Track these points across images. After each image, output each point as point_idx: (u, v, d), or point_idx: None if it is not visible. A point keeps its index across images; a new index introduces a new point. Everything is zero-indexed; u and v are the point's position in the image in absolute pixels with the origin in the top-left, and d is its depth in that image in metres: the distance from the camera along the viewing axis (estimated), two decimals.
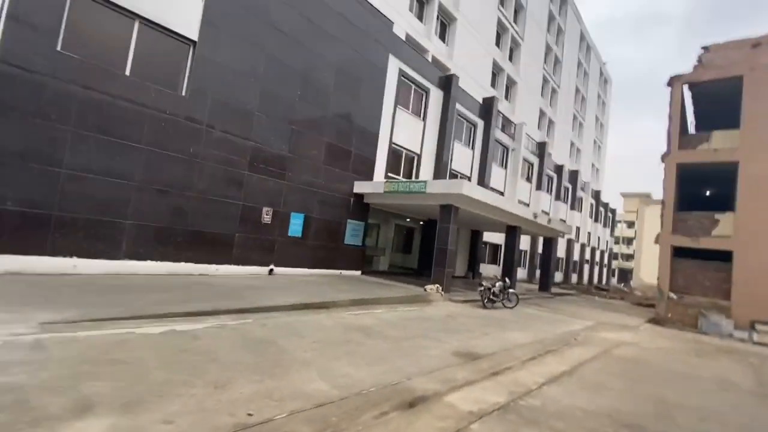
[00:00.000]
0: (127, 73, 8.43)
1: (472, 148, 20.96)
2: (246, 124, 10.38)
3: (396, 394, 3.88)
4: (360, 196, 13.76)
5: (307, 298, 8.12)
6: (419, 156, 17.22)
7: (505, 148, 24.75)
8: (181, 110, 9.14)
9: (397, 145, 15.93)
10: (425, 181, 11.88)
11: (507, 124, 26.66)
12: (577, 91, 41.16)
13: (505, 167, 24.62)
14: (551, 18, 34.19)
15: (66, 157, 7.56)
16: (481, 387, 4.46)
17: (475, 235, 21.89)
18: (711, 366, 7.45)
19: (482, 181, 20.97)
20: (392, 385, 4.11)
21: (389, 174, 15.37)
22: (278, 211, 11.28)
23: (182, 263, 9.36)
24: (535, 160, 28.40)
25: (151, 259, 8.86)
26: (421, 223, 19.17)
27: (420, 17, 20.17)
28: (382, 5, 15.71)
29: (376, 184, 13.21)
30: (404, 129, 16.27)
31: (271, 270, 11.16)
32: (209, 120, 9.63)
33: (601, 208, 44.87)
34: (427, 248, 17.64)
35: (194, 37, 9.34)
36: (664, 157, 14.77)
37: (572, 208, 35.47)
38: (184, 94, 9.25)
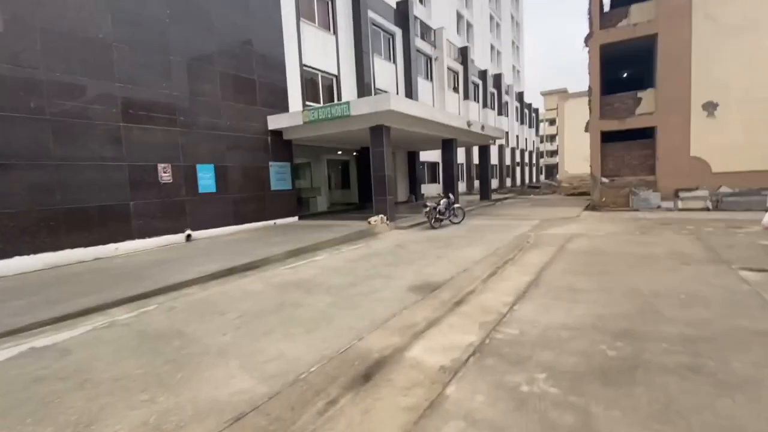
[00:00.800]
0: None
1: (394, 61, 19.23)
2: (103, 61, 7.97)
3: (346, 365, 2.98)
4: (278, 134, 11.99)
5: (231, 260, 6.85)
6: (338, 78, 15.33)
7: (428, 58, 23.21)
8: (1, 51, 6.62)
9: (309, 67, 13.88)
10: (348, 102, 10.38)
11: (426, 31, 24.76)
12: None
13: (431, 79, 23.29)
14: None
15: None
16: (447, 325, 3.71)
17: (412, 157, 21.06)
18: (660, 242, 7.51)
19: (410, 96, 19.63)
20: (340, 354, 3.20)
21: (307, 104, 13.53)
22: (179, 166, 9.35)
23: (67, 250, 7.49)
24: (460, 68, 27.28)
25: (20, 254, 6.93)
26: (355, 153, 17.83)
27: None
28: None
29: (292, 115, 11.45)
30: (314, 47, 14.12)
31: (189, 236, 9.55)
32: (46, 60, 7.17)
33: (526, 110, 45.83)
34: (365, 179, 16.60)
35: None
36: (587, 40, 14.29)
37: (500, 113, 35.62)
38: (0, 29, 6.65)
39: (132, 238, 8.46)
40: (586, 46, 14.36)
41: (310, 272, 6.26)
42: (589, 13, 14.13)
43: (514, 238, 8.68)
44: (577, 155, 34.24)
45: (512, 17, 46.81)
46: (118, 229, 8.23)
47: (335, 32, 15.26)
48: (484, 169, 20.22)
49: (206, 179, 9.94)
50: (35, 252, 7.11)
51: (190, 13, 9.60)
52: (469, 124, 14.54)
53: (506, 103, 37.79)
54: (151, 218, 8.80)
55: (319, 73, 14.49)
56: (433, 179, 24.86)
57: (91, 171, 7.80)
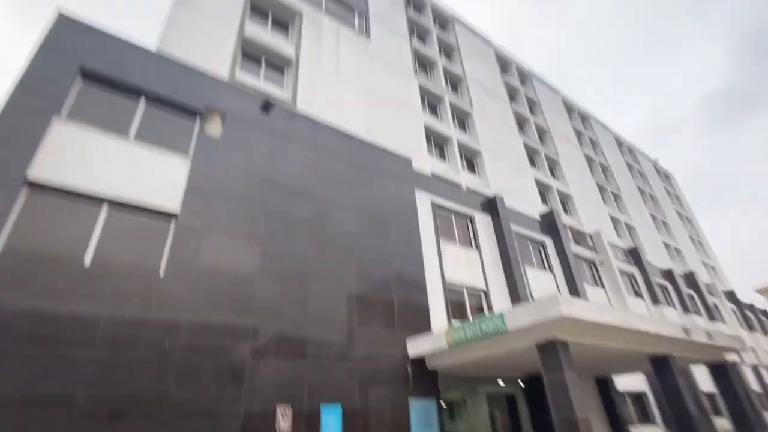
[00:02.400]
0: (87, 264, 6.81)
1: (550, 269, 16.99)
2: (244, 296, 8.01)
3: None
4: (420, 362, 9.89)
5: None
6: (486, 293, 13.58)
7: (591, 263, 20.28)
8: (155, 295, 7.06)
9: (453, 283, 12.67)
10: (502, 314, 8.13)
11: (580, 237, 22.80)
12: (642, 192, 37.39)
13: (601, 285, 19.61)
14: (578, 133, 33.79)
15: None
16: None
17: (603, 385, 15.56)
18: None
19: None
20: None
21: (452, 321, 11.65)
22: (300, 410, 7.69)
23: None
24: (634, 270, 23.04)
25: None
26: (523, 384, 13.91)
27: (443, 158, 19.61)
28: (398, 149, 15.06)
29: (435, 336, 9.50)
30: (457, 263, 13.27)
31: None
32: (193, 299, 7.39)
33: (749, 313, 34.52)
34: (543, 422, 12.10)
35: (176, 209, 8.03)
36: None
37: (711, 318, 27.11)
38: (161, 275, 7.35)
39: None
40: None
41: None
42: None
43: None
44: None
45: (680, 214, 42.11)
46: None
47: (478, 247, 14.53)
48: (734, 400, 13.16)
49: (331, 424, 7.85)
50: None
51: (334, 247, 9.93)
52: (686, 330, 10.11)
53: (714, 304, 29.21)
54: None
55: (465, 289, 13.05)
56: (645, 417, 17.46)
57: (202, 418, 6.65)
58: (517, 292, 14.14)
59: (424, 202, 13.42)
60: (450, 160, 19.70)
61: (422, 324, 10.62)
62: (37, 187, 6.88)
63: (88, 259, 6.84)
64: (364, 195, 11.46)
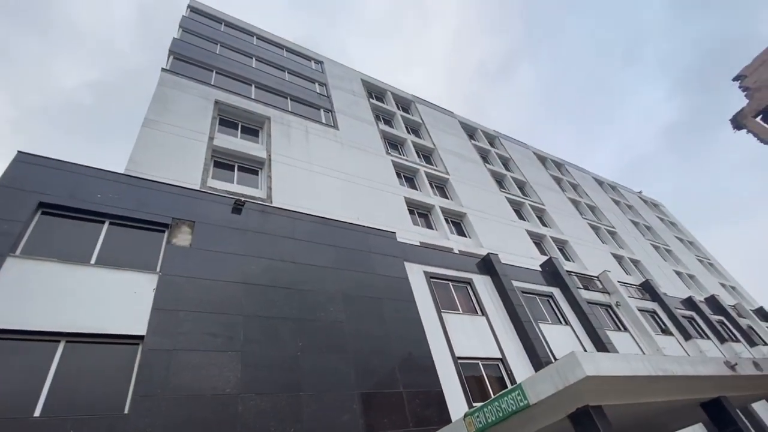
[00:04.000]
0: (37, 413, 5.90)
1: (566, 322, 15.82)
2: (225, 419, 6.95)
3: None
4: None
5: None
6: (503, 361, 12.34)
7: (607, 307, 19.09)
8: None
9: (465, 357, 11.52)
10: (519, 386, 7.08)
11: (588, 282, 21.83)
12: (636, 224, 37.21)
13: (624, 328, 18.21)
14: (557, 180, 34.47)
15: None
16: None
17: None
18: None
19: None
20: None
21: (473, 404, 10.31)
22: None
23: None
24: (653, 305, 21.73)
25: None
26: None
27: (429, 226, 19.39)
28: (381, 226, 14.80)
29: (452, 427, 8.22)
30: (464, 334, 12.23)
31: None
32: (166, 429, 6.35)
33: None
34: None
35: (142, 331, 7.31)
36: None
37: (751, 343, 25.08)
38: (126, 411, 6.39)
39: None
40: None
41: None
42: None
43: None
44: None
45: (680, 240, 41.53)
46: None
47: (483, 312, 13.58)
48: None
49: None
50: None
51: (324, 340, 9.06)
52: (730, 365, 8.96)
53: (749, 327, 27.30)
54: None
55: (479, 362, 11.84)
56: None
57: None
58: (536, 354, 12.89)
59: (416, 274, 12.78)
60: (437, 226, 19.47)
61: (439, 413, 9.32)
62: None
63: (38, 408, 5.94)
64: (351, 278, 10.86)
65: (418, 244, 15.91)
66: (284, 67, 22.38)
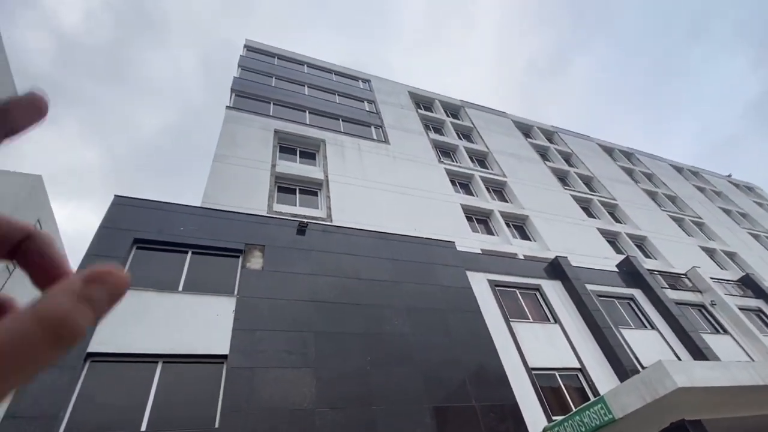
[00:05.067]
0: (143, 428, 6.64)
1: (652, 326, 14.47)
2: (304, 431, 7.29)
3: None
4: None
5: None
6: (583, 371, 11.58)
7: (701, 308, 17.15)
8: None
9: (540, 368, 10.98)
10: (602, 398, 6.65)
11: (674, 280, 19.81)
12: (728, 212, 33.17)
13: (724, 331, 16.21)
14: (628, 171, 31.93)
15: None
16: None
17: None
18: None
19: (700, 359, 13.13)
20: None
21: (552, 418, 9.76)
22: None
23: None
24: (759, 303, 19.11)
25: None
26: None
27: (490, 232, 18.90)
28: (439, 236, 14.71)
29: None
30: (537, 343, 11.69)
31: None
32: None
33: None
34: None
35: (225, 351, 7.95)
36: None
37: None
38: (217, 425, 6.97)
39: None
40: None
41: None
42: None
43: None
44: None
45: None
46: None
47: (556, 320, 12.88)
48: None
49: None
50: None
51: (390, 354, 9.17)
52: None
53: None
54: None
55: (556, 372, 11.22)
56: None
57: None
58: (620, 363, 11.91)
59: (480, 283, 12.51)
60: (498, 232, 18.92)
61: (515, 427, 8.96)
62: (97, 356, 7.16)
63: (144, 423, 6.68)
64: (413, 291, 10.92)
65: (480, 252, 15.58)
66: (334, 90, 23.36)
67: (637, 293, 15.75)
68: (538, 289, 13.74)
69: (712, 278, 18.78)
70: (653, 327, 14.50)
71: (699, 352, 13.55)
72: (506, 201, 21.48)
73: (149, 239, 9.25)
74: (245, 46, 23.75)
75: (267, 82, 21.08)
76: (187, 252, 9.51)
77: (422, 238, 13.04)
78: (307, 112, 19.99)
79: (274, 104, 19.36)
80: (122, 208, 9.54)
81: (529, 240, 19.46)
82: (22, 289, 21.33)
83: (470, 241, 16.60)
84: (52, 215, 23.78)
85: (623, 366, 11.74)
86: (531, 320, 12.57)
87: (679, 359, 13.22)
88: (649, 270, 17.31)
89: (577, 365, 11.70)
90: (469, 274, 12.47)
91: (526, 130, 30.95)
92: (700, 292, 17.93)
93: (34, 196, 20.86)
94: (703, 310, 17.10)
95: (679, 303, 16.19)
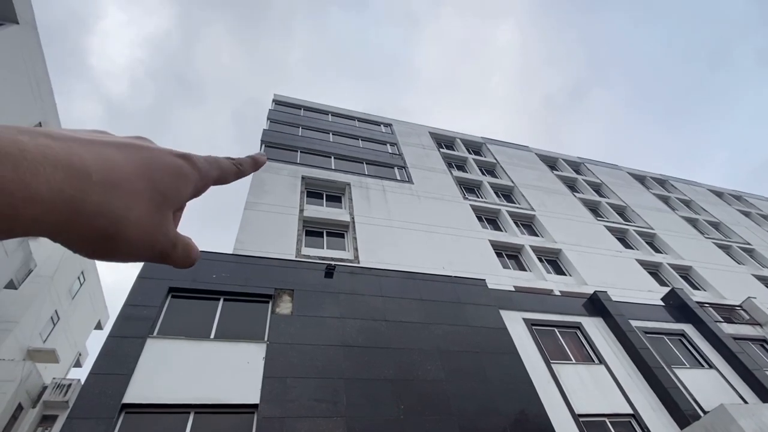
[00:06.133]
0: None
1: (709, 364, 13.26)
2: None
3: None
4: None
5: None
6: (636, 416, 10.61)
7: (762, 342, 15.64)
8: None
9: (587, 414, 10.15)
10: None
11: (729, 313, 18.31)
12: None
13: None
14: (664, 198, 30.73)
15: None
16: None
17: None
18: None
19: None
20: None
21: None
22: None
23: None
24: None
25: None
26: None
27: (521, 268, 18.32)
28: (469, 274, 14.38)
29: None
30: (583, 387, 10.89)
31: None
32: None
33: None
34: None
35: (256, 400, 7.84)
36: None
37: None
38: None
39: None
40: None
41: None
42: None
43: None
44: None
45: None
46: None
47: (601, 360, 12.05)
48: None
49: None
50: None
51: (423, 401, 8.76)
52: None
53: None
54: None
55: (606, 419, 10.32)
56: None
57: None
58: (677, 407, 10.86)
59: (515, 322, 11.99)
60: (530, 267, 18.32)
61: None
62: (132, 407, 7.21)
63: None
64: (445, 332, 10.56)
65: (513, 289, 15.06)
66: (357, 135, 24.20)
67: (688, 328, 14.62)
68: (578, 327, 13.00)
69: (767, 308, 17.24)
70: (711, 365, 13.28)
71: (766, 392, 12.21)
72: (537, 235, 20.96)
73: (183, 288, 9.51)
74: (274, 100, 25.26)
75: (294, 132, 22.13)
76: (219, 299, 9.69)
77: (451, 276, 12.79)
78: (333, 157, 20.68)
79: (301, 152, 20.19)
80: None
81: (565, 274, 18.70)
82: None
83: (502, 278, 16.12)
84: (95, 268, 25.04)
85: (681, 410, 10.69)
86: (574, 361, 11.81)
87: (745, 401, 11.92)
88: (698, 302, 16.13)
89: (629, 410, 10.75)
90: (503, 314, 12.00)
91: (551, 162, 30.67)
92: (759, 324, 16.43)
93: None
94: (766, 345, 15.58)
95: (736, 338, 14.85)
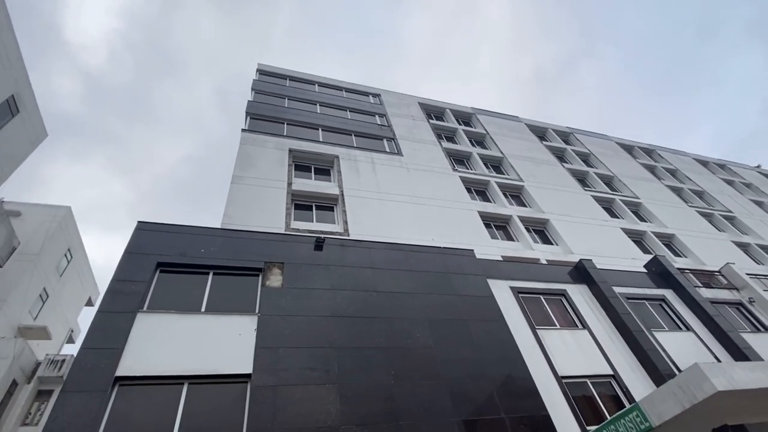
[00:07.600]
0: None
1: (687, 327, 13.84)
2: None
3: None
4: None
5: None
6: (616, 377, 11.13)
7: (738, 305, 16.33)
8: None
9: (570, 376, 10.61)
10: (638, 405, 6.36)
11: (708, 278, 18.96)
12: (760, 204, 31.79)
13: (764, 329, 15.35)
14: (650, 168, 31.08)
15: None
16: None
17: None
18: None
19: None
20: None
21: (587, 428, 9.37)
22: None
23: None
24: None
25: None
26: None
27: (510, 238, 18.60)
28: (457, 244, 14.54)
29: None
30: (566, 351, 11.32)
31: None
32: None
33: None
34: None
35: (249, 370, 7.99)
36: None
37: None
38: None
39: None
40: None
41: None
42: None
43: None
44: None
45: None
46: None
47: (584, 325, 12.47)
48: None
49: None
50: None
51: (414, 368, 9.03)
52: None
53: None
54: None
55: (587, 380, 10.81)
56: None
57: None
58: (655, 367, 11.40)
59: (502, 290, 12.26)
60: (518, 237, 18.60)
61: None
62: (125, 380, 7.30)
63: None
64: (434, 302, 10.78)
65: (500, 259, 15.32)
66: (345, 106, 23.71)
67: (669, 294, 15.14)
68: (563, 294, 13.37)
69: (748, 274, 17.90)
70: (688, 328, 13.86)
71: (739, 353, 12.87)
72: (525, 205, 21.17)
73: (172, 262, 9.47)
74: (258, 70, 24.45)
75: (280, 104, 21.58)
76: (208, 273, 9.68)
77: (440, 247, 12.93)
78: (320, 129, 20.31)
79: (287, 124, 19.76)
80: (145, 234, 9.82)
81: (551, 244, 19.06)
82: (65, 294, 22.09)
83: (490, 248, 16.36)
84: (81, 245, 24.71)
85: (659, 371, 11.24)
86: (558, 327, 12.21)
87: (719, 361, 12.56)
88: (679, 269, 16.65)
89: (610, 371, 11.25)
90: (491, 282, 12.25)
91: (540, 133, 30.61)
92: (736, 289, 17.10)
93: (64, 226, 21.75)
94: (741, 308, 16.27)
95: (714, 302, 15.46)
